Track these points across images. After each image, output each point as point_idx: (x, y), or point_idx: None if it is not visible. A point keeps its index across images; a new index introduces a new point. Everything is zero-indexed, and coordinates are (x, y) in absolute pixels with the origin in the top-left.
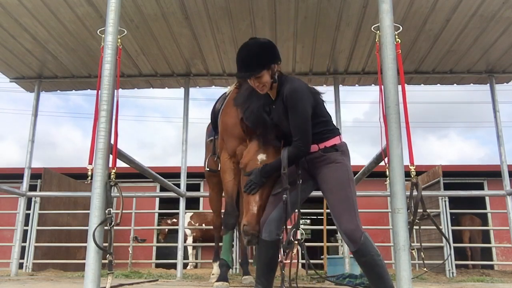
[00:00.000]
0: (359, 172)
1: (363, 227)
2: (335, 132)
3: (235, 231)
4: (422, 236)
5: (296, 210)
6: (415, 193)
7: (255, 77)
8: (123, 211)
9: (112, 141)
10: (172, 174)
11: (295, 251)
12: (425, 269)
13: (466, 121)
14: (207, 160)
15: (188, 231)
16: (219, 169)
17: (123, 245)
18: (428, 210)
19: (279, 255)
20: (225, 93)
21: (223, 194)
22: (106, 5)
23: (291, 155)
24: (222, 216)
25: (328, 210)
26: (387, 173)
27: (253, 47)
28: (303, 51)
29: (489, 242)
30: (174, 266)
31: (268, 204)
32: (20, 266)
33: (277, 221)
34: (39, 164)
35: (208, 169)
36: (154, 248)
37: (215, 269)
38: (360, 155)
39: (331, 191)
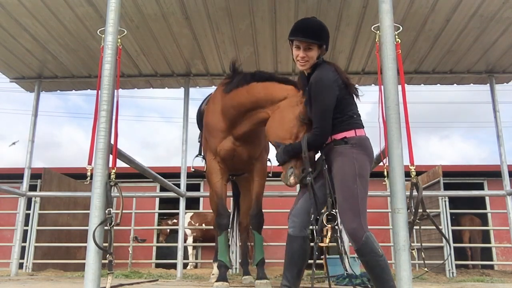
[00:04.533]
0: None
1: None
2: (352, 125)
3: (231, 231)
4: (422, 236)
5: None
6: (415, 193)
7: (307, 46)
8: (123, 211)
9: (112, 141)
10: (172, 174)
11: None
12: (425, 269)
13: (468, 121)
14: (193, 161)
15: (188, 231)
16: (204, 169)
17: (123, 245)
18: (428, 210)
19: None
20: (211, 94)
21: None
22: (106, 5)
23: (309, 141)
24: (215, 217)
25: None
26: (385, 173)
27: (318, 22)
28: None
29: (489, 242)
30: (174, 266)
31: (297, 196)
32: (20, 266)
33: (302, 215)
34: (40, 164)
35: (193, 169)
36: (154, 248)
37: (215, 269)
38: None
39: (337, 187)
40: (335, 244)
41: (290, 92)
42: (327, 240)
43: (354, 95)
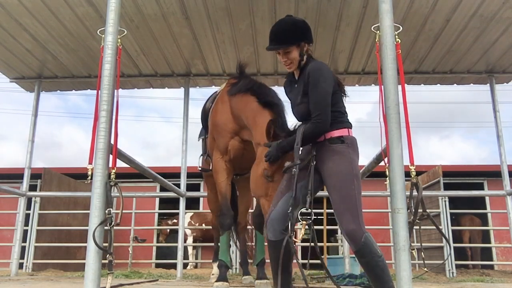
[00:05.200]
0: (360, 172)
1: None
2: (345, 124)
3: (232, 231)
4: (422, 236)
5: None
6: (415, 193)
7: (284, 51)
8: (123, 211)
9: (112, 141)
10: (172, 174)
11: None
12: (425, 269)
13: (468, 122)
14: (199, 160)
15: (188, 231)
16: (210, 168)
17: (123, 245)
18: (428, 210)
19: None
20: (216, 92)
21: None
22: (106, 5)
23: (308, 131)
24: (216, 217)
25: (328, 210)
26: (387, 173)
27: (287, 23)
28: None
29: (489, 242)
30: (174, 266)
31: (273, 199)
32: (20, 266)
33: (280, 219)
34: (40, 164)
35: (200, 168)
36: (154, 248)
37: (215, 269)
38: (363, 155)
39: (333, 187)
40: (336, 244)
41: (262, 140)
42: (300, 237)
43: (343, 94)
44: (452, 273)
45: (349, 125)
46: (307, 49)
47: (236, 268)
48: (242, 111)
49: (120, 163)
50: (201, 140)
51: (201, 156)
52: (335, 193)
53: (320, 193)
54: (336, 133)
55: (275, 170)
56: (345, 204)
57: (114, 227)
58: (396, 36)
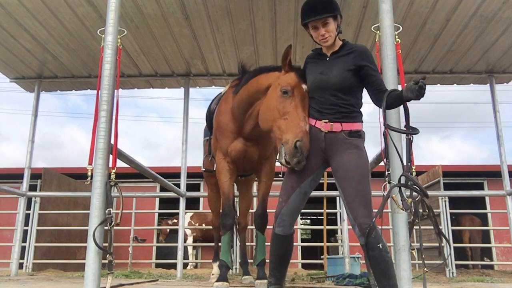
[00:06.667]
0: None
1: None
2: (360, 118)
3: (234, 231)
4: (422, 236)
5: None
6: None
7: (324, 22)
8: (123, 211)
9: (112, 141)
10: (172, 174)
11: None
12: (425, 269)
13: (469, 121)
14: (203, 160)
15: (188, 231)
16: (214, 169)
17: (123, 245)
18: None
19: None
20: (221, 93)
21: None
22: (106, 5)
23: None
24: (220, 217)
25: (328, 210)
26: (387, 173)
27: None
28: (303, 51)
29: (489, 242)
30: (174, 266)
31: (281, 194)
32: (20, 266)
33: (292, 214)
34: (42, 164)
35: (204, 169)
36: (154, 248)
37: (215, 269)
38: None
39: (350, 180)
40: (336, 244)
41: (273, 77)
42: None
43: None
44: (452, 273)
45: (362, 120)
46: (340, 23)
47: (236, 268)
48: (244, 93)
49: (120, 163)
50: (204, 140)
51: (205, 157)
52: (352, 186)
53: (320, 193)
54: (356, 126)
55: (294, 85)
56: (360, 198)
57: (114, 227)
58: (396, 36)
